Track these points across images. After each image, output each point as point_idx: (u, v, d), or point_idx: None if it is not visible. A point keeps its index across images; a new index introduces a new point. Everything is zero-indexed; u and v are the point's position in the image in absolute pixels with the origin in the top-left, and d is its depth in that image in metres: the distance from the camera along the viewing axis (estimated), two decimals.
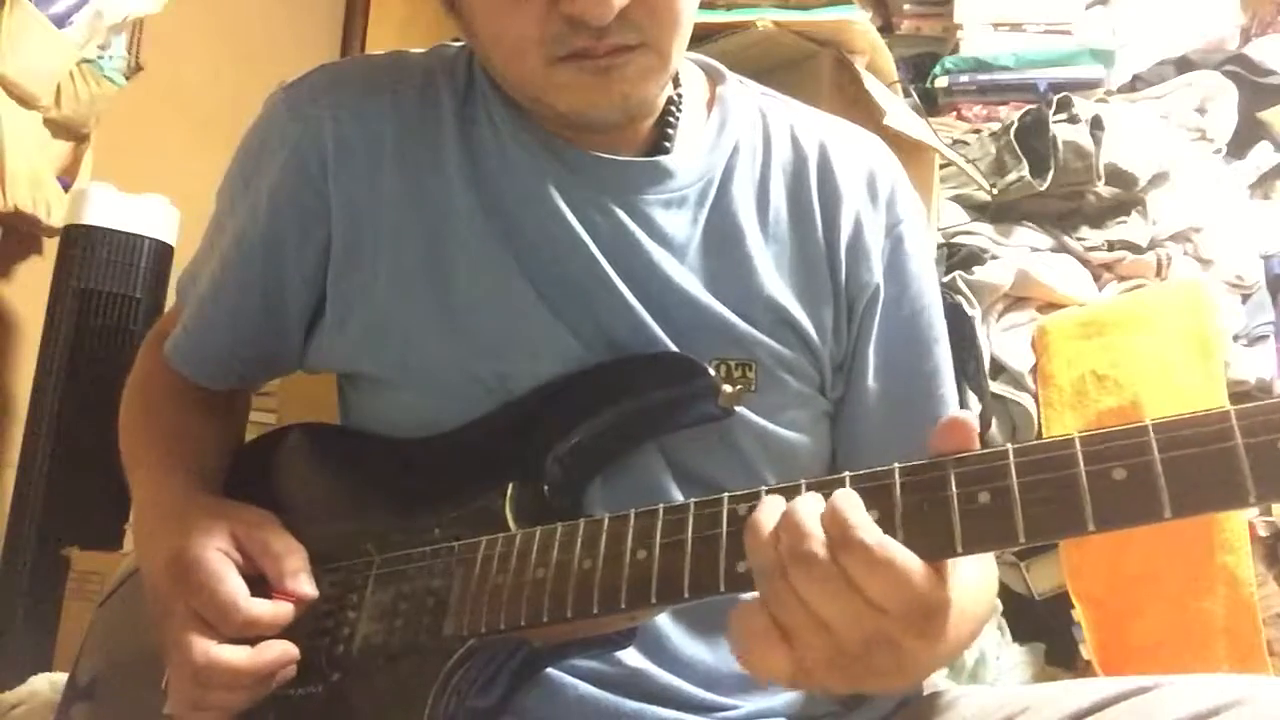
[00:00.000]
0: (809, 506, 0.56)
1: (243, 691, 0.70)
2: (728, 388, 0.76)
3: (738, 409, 0.78)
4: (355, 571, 0.76)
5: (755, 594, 0.76)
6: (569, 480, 0.75)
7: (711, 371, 0.75)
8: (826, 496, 0.57)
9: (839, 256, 0.84)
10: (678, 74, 0.84)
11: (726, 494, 0.62)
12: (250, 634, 0.71)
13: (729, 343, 0.79)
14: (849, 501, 0.55)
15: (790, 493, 0.59)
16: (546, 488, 0.74)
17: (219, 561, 0.73)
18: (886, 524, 0.55)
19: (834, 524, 0.54)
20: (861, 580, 0.53)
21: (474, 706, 0.69)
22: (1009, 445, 0.55)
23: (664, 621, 0.76)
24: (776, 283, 0.82)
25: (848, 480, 0.58)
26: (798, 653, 0.55)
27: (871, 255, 0.85)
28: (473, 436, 0.78)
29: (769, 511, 0.57)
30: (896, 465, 0.58)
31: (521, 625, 0.66)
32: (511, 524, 0.72)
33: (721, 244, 0.82)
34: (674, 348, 0.78)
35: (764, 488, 0.61)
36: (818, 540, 0.54)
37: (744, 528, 0.58)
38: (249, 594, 0.72)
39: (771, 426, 0.80)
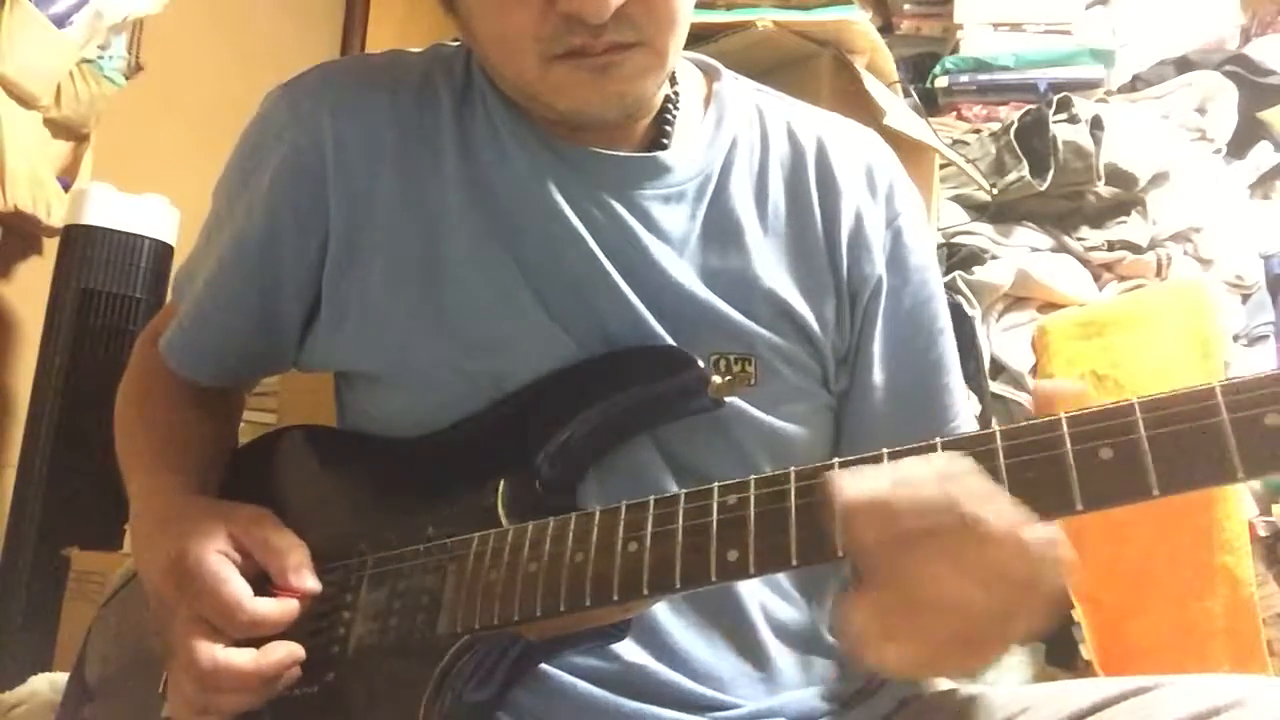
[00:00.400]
0: (922, 474, 0.54)
1: (249, 694, 0.70)
2: (718, 379, 0.76)
3: (737, 401, 0.77)
4: (349, 571, 0.76)
5: (751, 594, 0.76)
6: (562, 476, 0.75)
7: (701, 363, 0.75)
8: (818, 484, 0.56)
9: (839, 250, 0.84)
10: (674, 72, 0.85)
11: (716, 484, 0.62)
12: (256, 634, 0.71)
13: (728, 337, 0.79)
14: (966, 468, 0.54)
15: (778, 482, 0.59)
16: (539, 484, 0.74)
17: (220, 563, 0.72)
18: None
19: (969, 500, 0.53)
20: (1010, 565, 0.52)
21: (469, 702, 0.69)
22: (996, 427, 0.55)
23: (664, 619, 0.76)
24: (776, 276, 0.82)
25: (836, 466, 0.58)
26: (925, 638, 0.53)
27: (873, 248, 0.85)
28: (465, 434, 0.78)
29: (863, 484, 0.54)
30: (885, 450, 0.58)
31: (515, 620, 0.66)
32: (504, 520, 0.72)
33: (720, 239, 0.82)
34: (672, 343, 0.78)
35: (753, 477, 0.61)
36: (949, 511, 0.52)
37: (829, 503, 0.55)
38: (252, 594, 0.72)
39: (770, 419, 0.80)
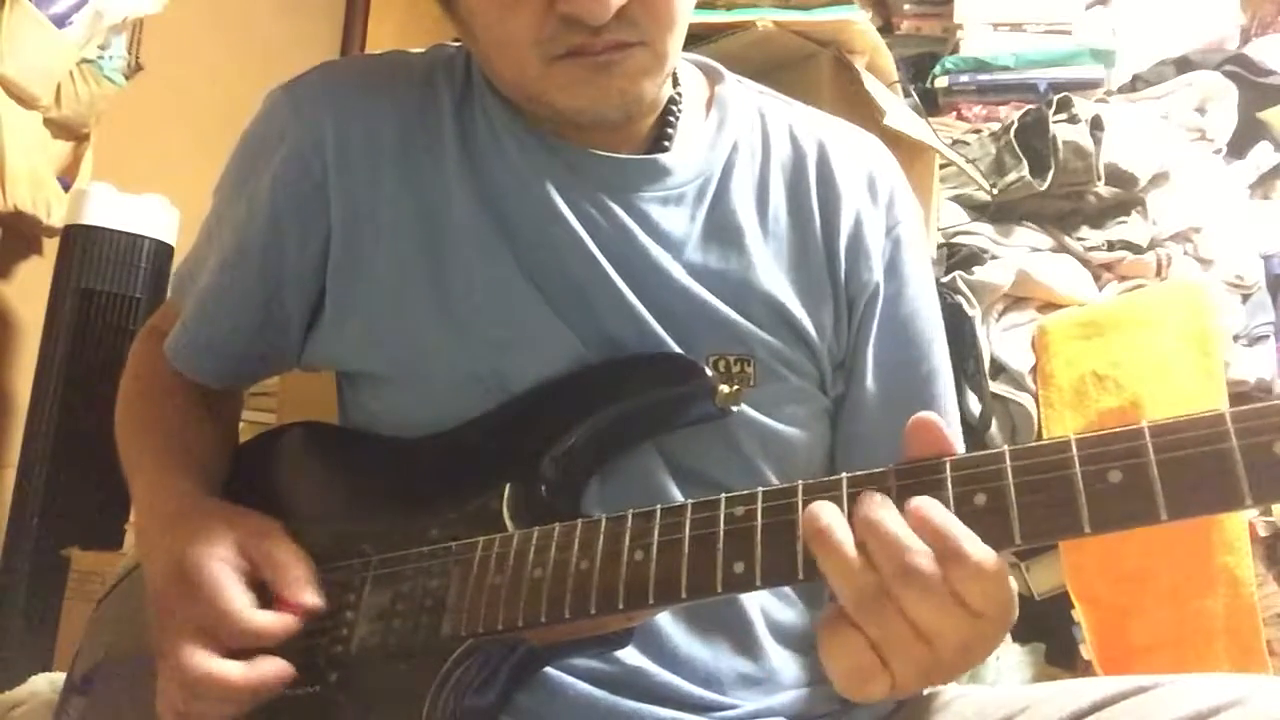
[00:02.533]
0: (897, 520, 0.55)
1: (234, 705, 0.70)
2: (725, 387, 0.76)
3: (736, 407, 0.77)
4: (353, 572, 0.76)
5: (750, 595, 0.76)
6: (566, 481, 0.75)
7: (709, 371, 0.76)
8: (827, 498, 0.57)
9: (838, 255, 0.84)
10: (676, 73, 0.85)
11: (724, 495, 0.62)
12: (251, 645, 0.70)
13: (727, 338, 0.79)
14: (942, 512, 0.55)
15: (786, 495, 0.59)
16: (544, 488, 0.74)
17: (221, 571, 0.72)
18: None
19: (936, 537, 0.54)
20: (970, 593, 0.53)
21: (472, 706, 0.69)
22: (1005, 447, 0.56)
23: (663, 620, 0.76)
24: (775, 279, 0.82)
25: (845, 482, 0.58)
26: (894, 669, 0.55)
27: (871, 255, 0.85)
28: (470, 436, 0.78)
29: (837, 527, 0.55)
30: (893, 467, 0.58)
31: (519, 626, 0.66)
32: (509, 524, 0.71)
33: (719, 241, 0.82)
34: (673, 344, 0.78)
35: (760, 489, 0.61)
36: (926, 555, 0.53)
37: (821, 545, 0.55)
38: (251, 605, 0.71)
39: (770, 422, 0.80)
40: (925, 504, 0.55)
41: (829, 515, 0.56)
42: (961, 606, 0.53)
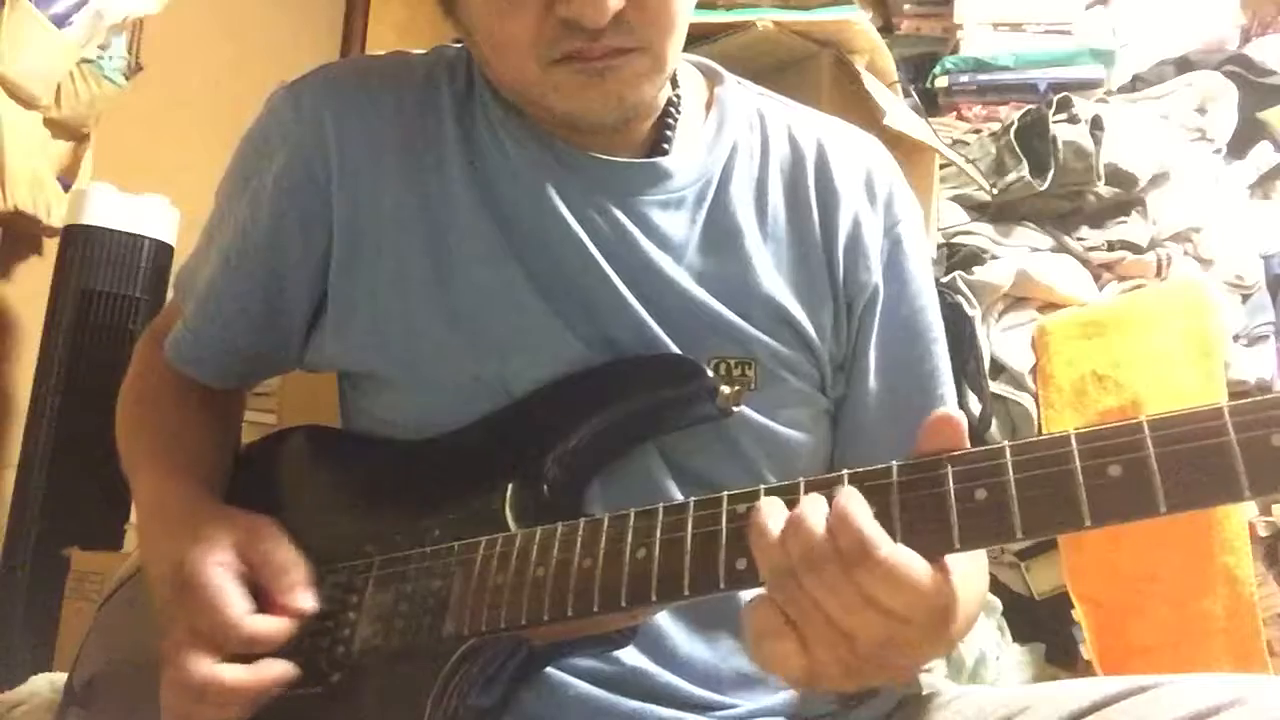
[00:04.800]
0: (815, 511, 0.56)
1: (235, 708, 0.70)
2: (726, 388, 0.76)
3: (737, 408, 0.78)
4: (356, 573, 0.76)
5: (752, 593, 0.76)
6: (569, 481, 0.75)
7: (710, 372, 0.76)
8: (829, 498, 0.57)
9: (837, 256, 0.84)
10: (675, 75, 0.85)
11: (726, 493, 0.62)
12: (248, 650, 0.71)
13: (728, 341, 0.79)
14: (857, 509, 0.55)
15: (789, 492, 0.60)
16: (546, 488, 0.74)
17: (221, 577, 0.72)
18: (884, 523, 0.56)
19: (848, 538, 0.54)
20: (880, 595, 0.54)
21: (474, 706, 0.69)
22: (1005, 442, 0.56)
23: (663, 620, 0.76)
24: (775, 282, 0.82)
25: (846, 478, 0.58)
26: (811, 654, 0.55)
27: (870, 255, 0.85)
28: (472, 437, 0.78)
29: (773, 515, 0.57)
30: (895, 463, 0.58)
31: (521, 625, 0.66)
32: (511, 524, 0.72)
33: (720, 244, 0.82)
34: (674, 347, 0.78)
35: (763, 486, 0.61)
36: (828, 547, 0.54)
37: (748, 529, 0.58)
38: (249, 611, 0.71)
39: (771, 425, 0.80)
40: (849, 502, 0.55)
41: (767, 505, 0.58)
42: (872, 607, 0.54)
